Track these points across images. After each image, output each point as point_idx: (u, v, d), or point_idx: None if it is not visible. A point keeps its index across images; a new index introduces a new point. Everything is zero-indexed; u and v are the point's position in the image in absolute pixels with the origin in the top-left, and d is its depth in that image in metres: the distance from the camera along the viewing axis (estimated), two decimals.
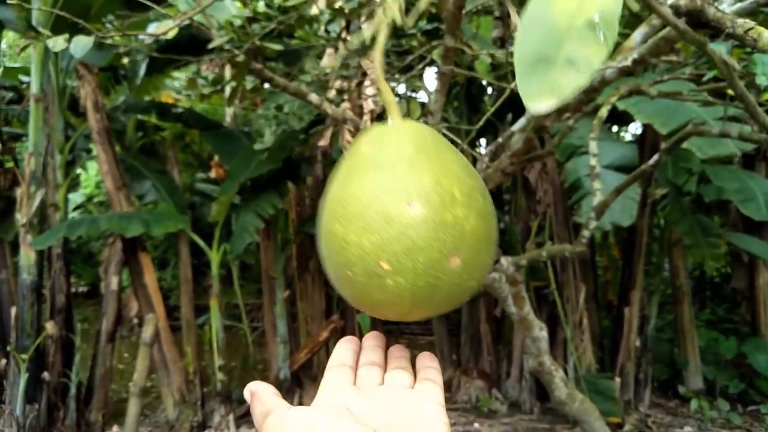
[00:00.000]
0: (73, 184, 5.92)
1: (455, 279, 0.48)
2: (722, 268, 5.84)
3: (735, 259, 5.34)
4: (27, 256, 3.85)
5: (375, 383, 0.51)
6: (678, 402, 4.62)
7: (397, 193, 0.47)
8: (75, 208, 7.41)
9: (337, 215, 0.49)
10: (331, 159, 4.45)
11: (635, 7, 2.01)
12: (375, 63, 0.54)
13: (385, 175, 0.48)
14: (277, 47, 1.83)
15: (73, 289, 5.11)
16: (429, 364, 0.53)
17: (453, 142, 2.21)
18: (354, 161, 0.51)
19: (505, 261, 2.29)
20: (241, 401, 4.53)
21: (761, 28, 0.59)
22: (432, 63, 2.84)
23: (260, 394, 0.47)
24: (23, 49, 1.79)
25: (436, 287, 0.47)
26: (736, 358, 4.64)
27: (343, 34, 2.39)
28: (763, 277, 4.75)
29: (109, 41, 1.50)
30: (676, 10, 0.63)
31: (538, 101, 0.37)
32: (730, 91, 1.47)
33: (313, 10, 2.18)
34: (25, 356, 3.73)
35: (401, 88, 3.39)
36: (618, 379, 4.19)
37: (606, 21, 0.38)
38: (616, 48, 2.47)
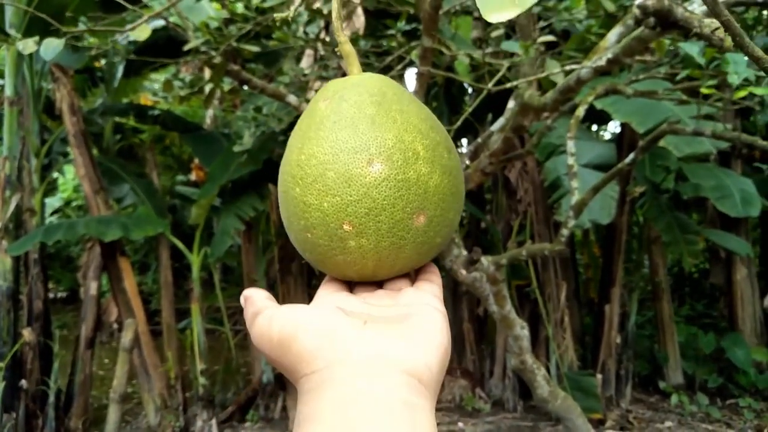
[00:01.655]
0: (51, 188, 5.84)
1: (420, 237, 0.47)
2: (700, 264, 5.93)
3: (712, 256, 5.43)
4: (3, 262, 3.78)
5: (371, 289, 0.50)
6: (659, 397, 4.68)
7: (358, 152, 0.45)
8: (52, 213, 7.30)
9: (296, 177, 0.47)
10: None
11: (611, 7, 2.03)
12: (333, 11, 0.52)
13: (344, 134, 0.46)
14: (255, 49, 1.82)
15: (51, 295, 5.04)
16: (428, 269, 0.52)
17: None
18: (311, 120, 0.49)
19: (485, 260, 2.30)
20: (224, 406, 4.50)
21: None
22: (412, 63, 2.84)
23: (253, 298, 0.45)
24: None
25: (401, 247, 0.46)
26: (715, 352, 4.71)
27: (322, 35, 2.39)
28: (740, 272, 4.83)
29: (81, 43, 1.47)
30: (644, 10, 0.64)
31: (499, 11, 0.35)
32: (703, 90, 1.49)
33: (286, 14, 2.17)
34: (1, 364, 3.66)
35: None
36: (599, 376, 4.23)
37: None
38: (592, 48, 2.50)
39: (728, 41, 0.59)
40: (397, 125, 0.47)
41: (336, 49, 0.54)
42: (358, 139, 0.46)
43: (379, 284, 0.51)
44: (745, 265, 4.83)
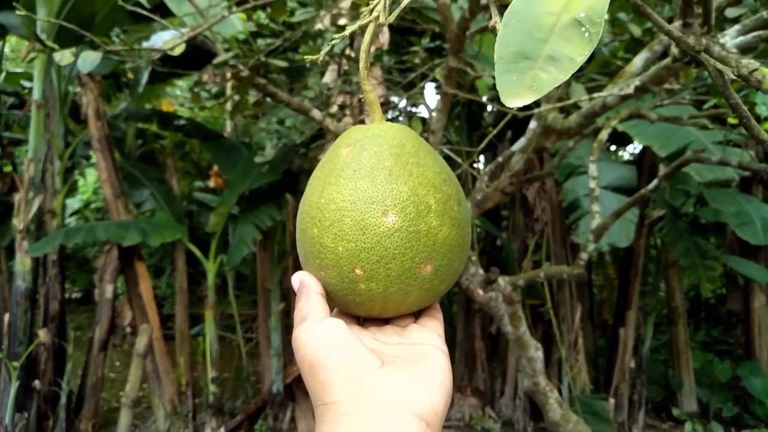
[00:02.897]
0: (71, 190, 5.91)
1: (426, 285, 0.50)
2: (717, 289, 5.86)
3: (730, 282, 5.36)
4: (23, 263, 3.83)
5: (379, 324, 0.54)
6: (672, 424, 4.61)
7: (375, 202, 0.48)
8: (71, 214, 7.39)
9: (314, 219, 0.50)
10: None
11: (637, 32, 2.03)
12: (361, 61, 0.54)
13: (363, 183, 0.49)
14: (282, 64, 1.84)
15: (66, 295, 5.08)
16: (431, 306, 0.56)
17: (454, 162, 2.22)
18: (333, 165, 0.51)
19: (502, 281, 2.29)
20: (233, 414, 4.50)
21: (766, 70, 0.59)
22: (433, 79, 2.86)
23: (308, 291, 0.50)
24: (26, 58, 1.80)
25: (408, 293, 0.49)
26: (731, 380, 4.63)
27: (347, 51, 2.41)
28: (759, 300, 4.75)
29: (115, 57, 1.50)
30: (683, 49, 0.64)
31: (516, 97, 0.37)
32: (731, 120, 1.48)
33: (318, 26, 2.20)
34: (16, 364, 3.70)
35: (402, 104, 3.40)
36: (612, 400, 4.18)
37: (591, 19, 0.37)
38: (616, 71, 2.50)
39: (767, 83, 0.59)
40: (412, 178, 0.49)
41: (360, 97, 0.57)
42: (375, 189, 0.49)
43: (385, 319, 0.55)
44: (764, 293, 4.76)
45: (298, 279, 0.52)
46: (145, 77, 4.61)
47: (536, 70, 0.37)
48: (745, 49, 0.99)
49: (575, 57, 0.37)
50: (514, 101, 0.37)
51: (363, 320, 0.55)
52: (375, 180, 0.49)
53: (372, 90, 0.55)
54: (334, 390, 0.43)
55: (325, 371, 0.44)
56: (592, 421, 3.71)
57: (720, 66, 0.46)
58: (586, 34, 0.38)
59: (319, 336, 0.46)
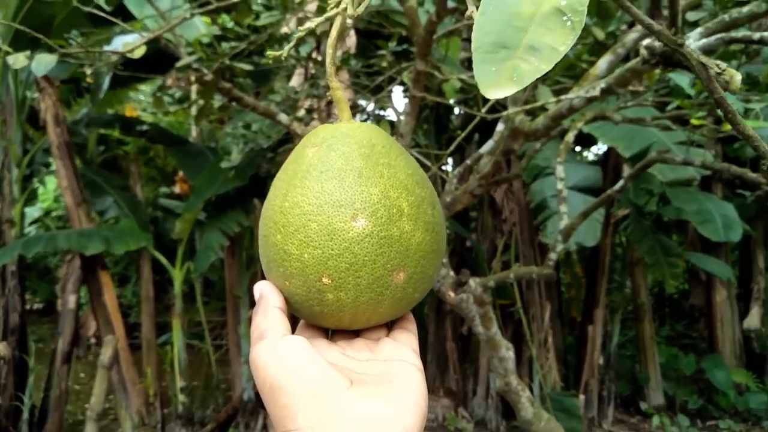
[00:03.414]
0: (30, 198, 5.74)
1: (399, 294, 0.47)
2: (680, 285, 6.00)
3: (693, 277, 5.49)
4: None
5: (349, 338, 0.50)
6: (640, 418, 4.70)
7: (343, 206, 0.45)
8: (31, 223, 7.17)
9: (278, 224, 0.46)
10: None
11: (600, 35, 2.06)
12: (327, 56, 0.51)
13: (330, 185, 0.45)
14: (248, 67, 1.81)
15: (27, 306, 4.93)
16: (404, 316, 0.52)
17: (423, 165, 2.22)
18: (298, 166, 0.48)
19: (473, 282, 2.30)
20: (203, 423, 4.42)
21: (733, 71, 0.60)
22: (400, 83, 2.85)
23: (266, 303, 0.46)
24: None
25: (379, 302, 0.46)
26: (695, 373, 4.75)
27: (314, 54, 2.39)
28: (720, 294, 4.89)
29: (72, 60, 1.45)
30: (651, 51, 0.64)
31: (496, 88, 0.35)
32: (694, 121, 1.51)
33: (284, 30, 2.17)
34: None
35: (370, 107, 3.39)
36: (582, 397, 4.24)
37: (573, 7, 0.36)
38: (581, 74, 2.53)
39: (735, 83, 0.59)
40: (383, 180, 0.46)
41: (327, 94, 0.54)
42: (343, 192, 0.45)
43: (355, 331, 0.51)
44: (725, 287, 4.90)
45: (258, 290, 0.48)
46: (106, 82, 4.51)
47: (516, 60, 0.36)
48: (706, 52, 1.01)
49: (557, 46, 0.35)
50: (493, 92, 0.35)
51: (331, 333, 0.52)
52: (343, 182, 0.45)
53: (339, 88, 0.51)
54: (297, 415, 0.39)
55: (287, 395, 0.40)
56: (563, 418, 3.75)
57: (704, 59, 0.46)
58: (569, 22, 0.36)
59: (279, 355, 0.42)
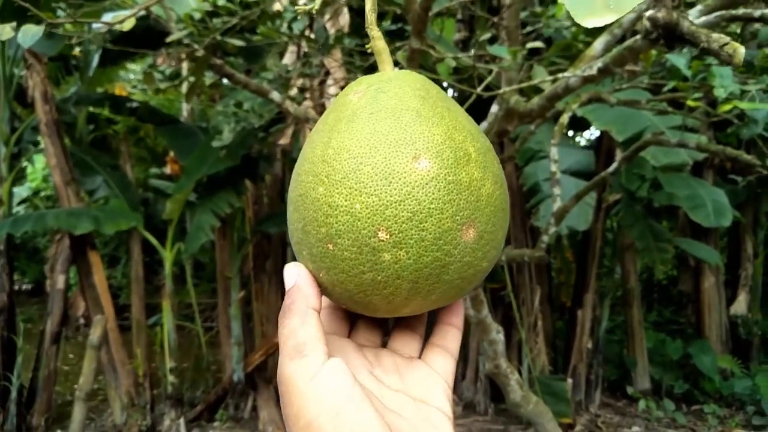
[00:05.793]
0: (19, 177, 5.68)
1: (468, 257, 0.39)
2: (669, 271, 6.05)
3: (681, 263, 5.54)
4: None
5: (374, 345, 0.44)
6: (626, 402, 4.75)
7: (402, 144, 0.38)
8: (20, 202, 7.10)
9: (319, 175, 0.39)
10: (291, 157, 4.39)
11: None
12: (367, 4, 0.45)
13: (385, 125, 0.39)
14: (239, 43, 1.78)
15: (15, 287, 4.89)
16: (448, 320, 0.45)
17: None
18: (340, 113, 0.41)
19: None
20: (193, 404, 4.43)
21: (736, 44, 0.58)
22: (396, 64, 2.83)
23: (304, 301, 0.39)
24: None
25: (445, 266, 0.38)
26: (682, 359, 4.80)
27: (307, 32, 2.35)
28: (708, 280, 4.93)
29: (60, 31, 1.42)
30: (654, 22, 0.63)
31: (591, 16, 0.32)
32: (689, 103, 1.51)
33: (276, 6, 2.14)
34: None
35: None
36: (570, 380, 4.28)
37: None
38: (576, 55, 2.51)
39: (738, 57, 0.58)
40: (445, 122, 0.40)
41: (367, 46, 0.49)
42: (401, 131, 0.38)
43: (383, 328, 0.45)
44: (713, 274, 4.94)
45: (293, 278, 0.40)
46: (95, 59, 4.44)
47: None
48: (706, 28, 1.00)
49: None
50: (589, 21, 0.32)
51: (352, 332, 0.45)
52: (400, 120, 0.39)
53: (380, 37, 0.46)
54: None
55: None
56: (552, 401, 3.78)
57: (707, 32, 0.45)
58: None
59: (323, 389, 0.35)
